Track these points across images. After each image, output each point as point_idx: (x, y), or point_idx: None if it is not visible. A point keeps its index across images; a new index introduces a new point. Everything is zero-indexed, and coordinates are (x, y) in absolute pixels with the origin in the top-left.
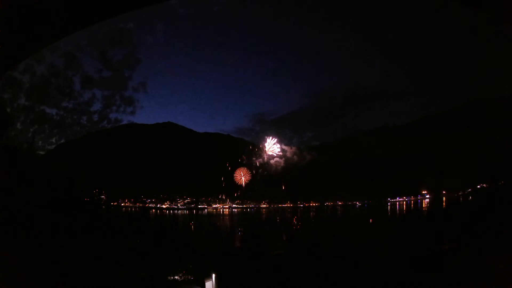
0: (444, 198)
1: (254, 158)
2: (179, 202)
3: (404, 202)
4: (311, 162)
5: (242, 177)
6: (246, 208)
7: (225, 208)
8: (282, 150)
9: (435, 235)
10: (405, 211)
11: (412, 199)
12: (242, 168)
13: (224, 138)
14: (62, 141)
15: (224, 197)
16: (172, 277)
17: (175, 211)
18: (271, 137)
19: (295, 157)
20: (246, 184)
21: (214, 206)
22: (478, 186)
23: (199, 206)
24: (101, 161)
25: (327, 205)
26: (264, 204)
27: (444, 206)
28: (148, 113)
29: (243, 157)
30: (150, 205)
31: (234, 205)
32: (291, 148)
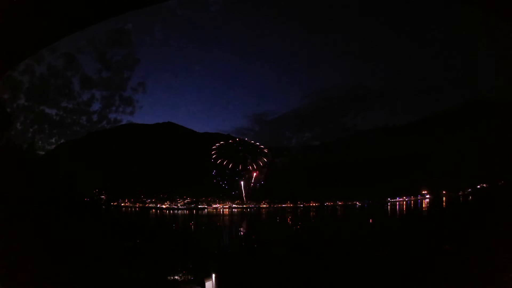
0: (444, 198)
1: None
2: (179, 202)
3: (404, 202)
4: (311, 162)
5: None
6: (246, 208)
7: (225, 208)
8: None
9: (435, 235)
10: (405, 211)
11: (412, 199)
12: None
13: (224, 138)
14: (62, 141)
15: (224, 196)
16: (172, 277)
17: (175, 211)
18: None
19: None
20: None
21: (214, 206)
22: (478, 186)
23: (199, 206)
24: (101, 161)
25: (327, 205)
26: (264, 204)
27: (444, 206)
28: (147, 113)
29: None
30: (150, 205)
31: (234, 205)
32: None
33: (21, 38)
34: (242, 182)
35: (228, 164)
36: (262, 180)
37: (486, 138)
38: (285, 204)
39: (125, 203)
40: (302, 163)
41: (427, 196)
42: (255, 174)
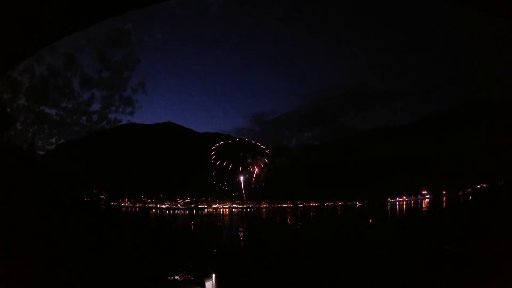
0: (444, 198)
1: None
2: (179, 202)
3: (404, 202)
4: (311, 162)
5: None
6: (246, 208)
7: (225, 208)
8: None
9: (435, 235)
10: (405, 211)
11: (412, 199)
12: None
13: (224, 138)
14: (62, 141)
15: (224, 196)
16: (172, 277)
17: (175, 211)
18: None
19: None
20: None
21: (214, 206)
22: (478, 186)
23: (199, 206)
24: (101, 161)
25: (327, 205)
26: (264, 204)
27: (444, 206)
28: (147, 113)
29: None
30: (150, 205)
31: (234, 205)
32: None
33: (21, 38)
34: (242, 182)
35: (228, 164)
36: (262, 180)
37: (486, 138)
38: (285, 204)
39: (125, 203)
40: (302, 163)
41: (427, 196)
42: (255, 174)
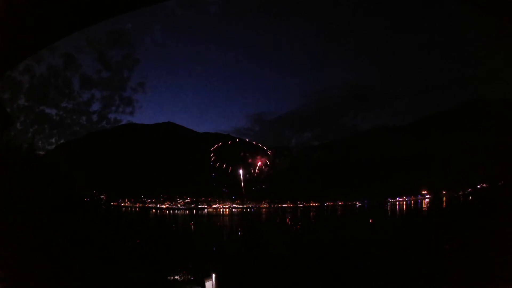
0: (444, 198)
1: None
2: (179, 202)
3: (404, 202)
4: (311, 162)
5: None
6: (246, 208)
7: (225, 208)
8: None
9: (435, 235)
10: (405, 211)
11: (412, 199)
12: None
13: (224, 138)
14: (62, 141)
15: (224, 197)
16: (172, 277)
17: (175, 211)
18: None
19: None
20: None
21: (214, 206)
22: (478, 186)
23: (199, 206)
24: (101, 161)
25: (327, 205)
26: (264, 204)
27: (444, 206)
28: (147, 113)
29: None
30: (150, 205)
31: (234, 205)
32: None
33: (21, 38)
34: (242, 183)
35: (227, 166)
36: (263, 181)
37: (486, 138)
38: (285, 204)
39: (125, 203)
40: (302, 163)
41: (427, 196)
42: (255, 174)
